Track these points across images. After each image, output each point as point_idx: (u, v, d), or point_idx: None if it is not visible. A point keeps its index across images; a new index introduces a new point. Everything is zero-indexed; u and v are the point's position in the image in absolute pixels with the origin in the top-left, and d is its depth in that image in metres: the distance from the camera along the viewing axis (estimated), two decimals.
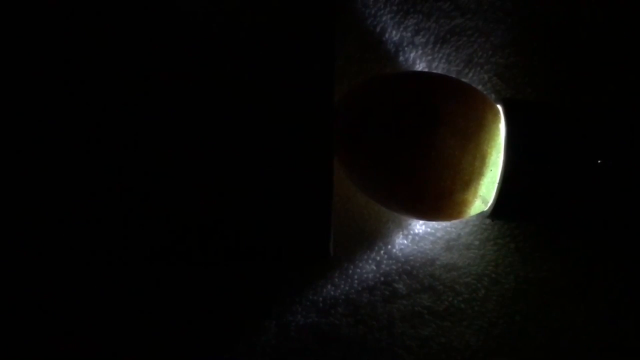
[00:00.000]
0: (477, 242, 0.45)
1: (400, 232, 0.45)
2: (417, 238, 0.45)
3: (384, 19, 0.46)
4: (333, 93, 0.40)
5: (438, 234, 0.45)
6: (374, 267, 0.45)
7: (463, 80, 0.45)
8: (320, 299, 0.45)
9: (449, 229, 0.45)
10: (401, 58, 0.46)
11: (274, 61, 0.40)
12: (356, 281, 0.45)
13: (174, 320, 0.43)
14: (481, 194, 0.38)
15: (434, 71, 0.46)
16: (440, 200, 0.37)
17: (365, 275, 0.45)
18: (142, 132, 0.40)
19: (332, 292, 0.45)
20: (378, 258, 0.45)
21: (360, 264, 0.45)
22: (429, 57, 0.46)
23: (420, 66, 0.46)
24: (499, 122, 0.38)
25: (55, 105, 0.40)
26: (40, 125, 0.40)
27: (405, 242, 0.45)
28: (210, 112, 0.40)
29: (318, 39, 0.40)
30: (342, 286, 0.45)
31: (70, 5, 0.41)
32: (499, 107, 0.38)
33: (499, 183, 0.37)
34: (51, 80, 0.40)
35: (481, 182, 0.37)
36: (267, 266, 0.44)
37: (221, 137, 0.40)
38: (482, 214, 0.40)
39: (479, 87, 0.46)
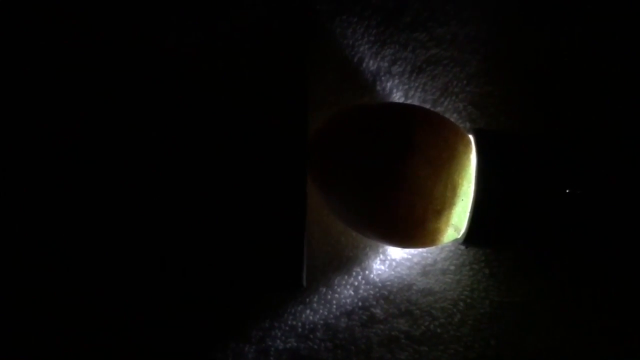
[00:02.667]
0: (452, 268, 0.45)
1: (378, 258, 0.46)
2: (394, 264, 0.46)
3: (361, 49, 0.47)
4: (307, 123, 0.41)
5: (415, 260, 0.46)
6: (352, 292, 0.46)
7: (438, 109, 0.46)
8: (299, 323, 0.45)
9: (425, 254, 0.46)
10: (379, 87, 0.47)
11: (248, 93, 0.41)
12: (334, 306, 0.45)
13: (152, 346, 0.44)
14: (453, 223, 0.39)
15: (410, 99, 0.47)
16: (413, 228, 0.38)
17: (343, 301, 0.46)
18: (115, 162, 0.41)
19: (310, 317, 0.45)
20: (356, 283, 0.46)
21: (339, 290, 0.46)
22: (406, 86, 0.47)
23: (397, 95, 0.47)
24: (470, 152, 0.39)
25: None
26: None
27: (383, 267, 0.46)
28: (183, 143, 0.41)
29: (291, 69, 0.41)
30: (321, 311, 0.45)
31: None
32: (471, 137, 0.39)
33: (470, 212, 0.38)
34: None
35: (453, 212, 0.38)
36: (243, 293, 0.44)
37: (193, 166, 0.41)
38: (456, 241, 0.41)
39: (454, 115, 0.47)
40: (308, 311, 0.45)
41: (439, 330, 0.45)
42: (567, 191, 0.38)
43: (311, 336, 0.45)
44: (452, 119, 0.46)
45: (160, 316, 0.44)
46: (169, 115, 0.41)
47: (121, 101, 0.41)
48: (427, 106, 0.47)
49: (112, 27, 0.43)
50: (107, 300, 0.43)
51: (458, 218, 0.38)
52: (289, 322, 0.45)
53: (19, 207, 0.41)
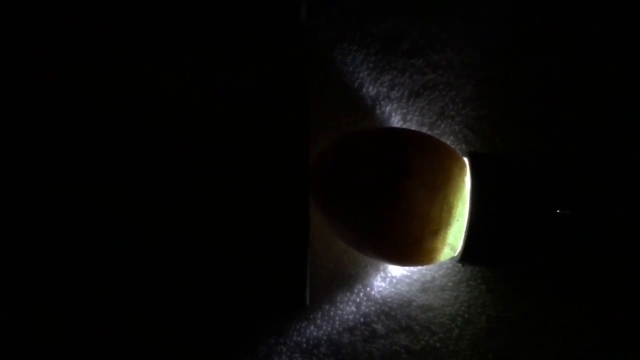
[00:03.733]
0: (450, 284, 0.47)
1: (379, 275, 0.48)
2: (394, 280, 0.48)
3: (361, 75, 0.49)
4: (308, 148, 0.43)
5: (414, 277, 0.48)
6: (354, 309, 0.47)
7: (435, 132, 0.48)
8: (304, 339, 0.47)
9: (424, 271, 0.48)
10: (378, 111, 0.49)
11: (253, 118, 0.43)
12: (337, 322, 0.47)
13: None
14: (449, 242, 0.40)
15: (409, 123, 0.49)
16: (411, 248, 0.40)
17: (345, 317, 0.47)
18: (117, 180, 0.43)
19: (314, 333, 0.47)
20: (358, 300, 0.47)
21: (341, 306, 0.47)
22: (404, 110, 0.49)
23: (396, 119, 0.49)
24: (465, 175, 0.40)
25: None
26: None
27: (383, 284, 0.48)
28: (188, 166, 0.43)
29: (293, 94, 0.43)
30: (324, 327, 0.47)
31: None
32: (465, 160, 0.41)
33: (465, 232, 0.40)
34: None
35: (449, 232, 0.40)
36: (248, 313, 0.46)
37: (199, 189, 0.42)
38: (453, 259, 0.43)
39: (451, 138, 0.49)
40: (312, 327, 0.47)
41: (438, 345, 0.47)
42: (558, 211, 0.40)
43: (315, 352, 0.47)
44: (448, 141, 0.48)
45: (167, 334, 0.46)
46: (176, 140, 0.43)
47: (127, 116, 0.43)
48: (425, 129, 0.49)
49: (121, 35, 0.44)
50: (115, 316, 0.45)
51: (454, 238, 0.40)
52: (294, 338, 0.47)
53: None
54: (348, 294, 0.48)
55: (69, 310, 0.43)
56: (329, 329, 0.47)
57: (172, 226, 0.42)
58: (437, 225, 0.39)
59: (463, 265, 0.46)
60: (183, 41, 0.44)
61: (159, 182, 0.43)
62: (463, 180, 0.40)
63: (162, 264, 0.42)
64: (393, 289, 0.48)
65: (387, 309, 0.47)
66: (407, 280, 0.48)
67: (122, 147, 0.43)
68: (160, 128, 0.43)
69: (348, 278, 0.48)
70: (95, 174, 0.42)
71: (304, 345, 0.47)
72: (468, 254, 0.41)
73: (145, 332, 0.45)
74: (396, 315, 0.47)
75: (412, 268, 0.48)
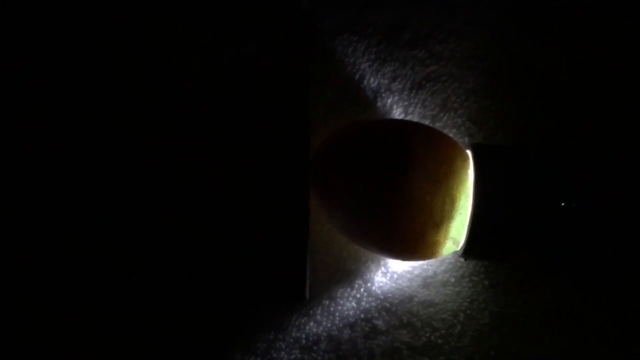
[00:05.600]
0: (452, 280, 0.46)
1: (379, 271, 0.47)
2: (395, 276, 0.47)
3: (362, 67, 0.48)
4: (309, 139, 0.42)
5: (415, 272, 0.47)
6: (355, 305, 0.47)
7: (437, 124, 0.48)
8: (303, 335, 0.46)
9: (425, 267, 0.47)
10: (379, 104, 0.48)
11: (253, 109, 0.43)
12: (337, 318, 0.46)
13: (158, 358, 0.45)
14: (452, 236, 0.40)
15: (410, 115, 0.48)
16: (413, 241, 0.39)
17: (346, 313, 0.46)
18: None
19: (314, 329, 0.46)
20: (358, 296, 0.47)
21: (341, 302, 0.47)
22: (406, 103, 0.48)
23: (397, 111, 0.48)
24: (468, 167, 0.40)
25: None
26: None
27: (384, 280, 0.47)
28: (187, 160, 0.42)
29: (293, 86, 0.43)
30: (324, 323, 0.46)
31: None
32: (469, 152, 0.41)
33: (468, 225, 0.39)
34: None
35: (451, 225, 0.39)
36: (248, 305, 0.45)
37: (198, 182, 0.42)
38: (455, 253, 0.42)
39: (453, 131, 0.48)
40: (312, 323, 0.46)
41: (439, 341, 0.46)
42: (563, 204, 0.39)
43: (315, 348, 0.46)
44: (451, 134, 0.47)
45: (166, 329, 0.45)
46: (174, 130, 0.43)
47: (126, 114, 0.43)
48: (427, 122, 0.48)
49: (123, 33, 0.44)
50: (112, 313, 0.44)
51: (456, 231, 0.39)
52: (293, 334, 0.46)
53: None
54: (348, 289, 0.47)
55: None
56: (329, 325, 0.46)
57: (169, 218, 0.42)
58: (439, 218, 0.39)
59: (465, 260, 0.45)
60: (179, 35, 0.44)
61: (154, 173, 0.42)
62: (466, 173, 0.39)
63: (158, 256, 0.41)
64: (394, 285, 0.47)
65: (388, 304, 0.46)
66: (409, 276, 0.47)
67: (117, 139, 0.42)
68: (155, 117, 0.42)
69: (348, 273, 0.47)
70: (85, 164, 0.42)
71: (304, 341, 0.46)
72: (471, 247, 0.40)
73: (141, 326, 0.45)
74: (397, 311, 0.46)
75: (413, 263, 0.47)
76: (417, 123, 0.43)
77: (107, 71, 0.43)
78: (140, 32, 0.43)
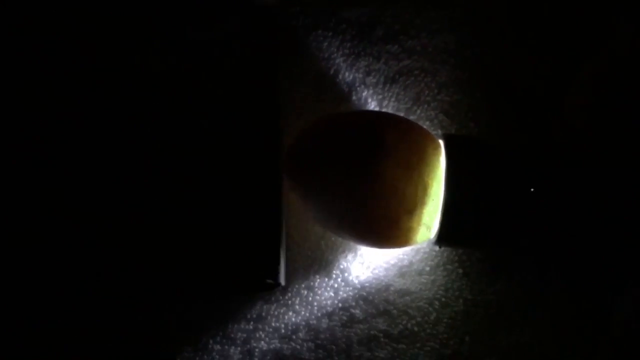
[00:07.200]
0: (427, 269, 0.47)
1: (356, 261, 0.48)
2: (372, 265, 0.48)
3: (337, 61, 0.50)
4: (279, 129, 0.43)
5: (392, 262, 0.48)
6: (332, 294, 0.47)
7: (411, 117, 0.49)
8: (282, 325, 0.47)
9: (401, 256, 0.48)
10: (354, 97, 0.49)
11: (226, 102, 0.44)
12: (316, 308, 0.47)
13: (136, 348, 0.45)
14: (425, 222, 0.41)
15: (385, 109, 0.49)
16: (387, 228, 0.40)
17: (324, 302, 0.47)
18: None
19: (293, 319, 0.47)
20: (336, 285, 0.48)
21: (319, 292, 0.47)
22: (380, 96, 0.49)
23: (372, 104, 0.49)
24: (440, 155, 0.41)
25: None
26: None
27: (361, 269, 0.48)
28: (157, 152, 0.43)
29: (263, 80, 0.44)
30: (303, 313, 0.47)
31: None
32: (441, 142, 0.42)
33: (441, 211, 0.40)
34: None
35: (424, 211, 0.40)
36: (225, 293, 0.46)
37: (173, 172, 0.43)
38: (429, 241, 0.43)
39: (427, 123, 0.49)
40: (290, 313, 0.47)
41: (415, 328, 0.47)
42: (532, 190, 0.41)
43: (294, 337, 0.47)
44: (424, 126, 0.48)
45: (144, 319, 0.45)
46: (151, 124, 0.43)
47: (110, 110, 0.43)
48: (401, 114, 0.49)
49: (107, 36, 0.45)
50: (88, 304, 0.45)
51: (429, 217, 0.41)
52: (272, 324, 0.47)
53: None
54: (326, 279, 0.48)
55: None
56: (307, 314, 0.47)
57: (144, 209, 0.42)
58: (412, 205, 0.40)
59: (440, 248, 0.46)
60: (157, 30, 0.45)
61: (124, 165, 0.43)
62: (438, 160, 0.40)
63: (133, 246, 0.42)
64: (371, 274, 0.48)
65: (365, 293, 0.47)
66: (385, 265, 0.48)
67: (82, 130, 0.43)
68: (127, 104, 0.43)
69: (326, 264, 0.48)
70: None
71: (283, 330, 0.47)
72: (444, 233, 0.41)
73: (118, 318, 0.45)
74: (374, 300, 0.47)
75: (389, 253, 0.48)
76: (388, 113, 0.44)
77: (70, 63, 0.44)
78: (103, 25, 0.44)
